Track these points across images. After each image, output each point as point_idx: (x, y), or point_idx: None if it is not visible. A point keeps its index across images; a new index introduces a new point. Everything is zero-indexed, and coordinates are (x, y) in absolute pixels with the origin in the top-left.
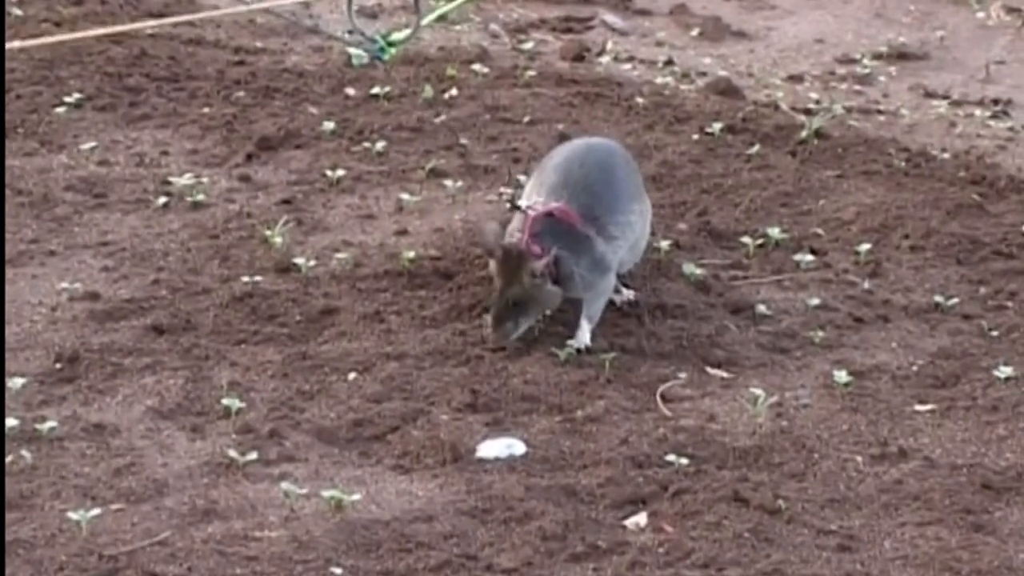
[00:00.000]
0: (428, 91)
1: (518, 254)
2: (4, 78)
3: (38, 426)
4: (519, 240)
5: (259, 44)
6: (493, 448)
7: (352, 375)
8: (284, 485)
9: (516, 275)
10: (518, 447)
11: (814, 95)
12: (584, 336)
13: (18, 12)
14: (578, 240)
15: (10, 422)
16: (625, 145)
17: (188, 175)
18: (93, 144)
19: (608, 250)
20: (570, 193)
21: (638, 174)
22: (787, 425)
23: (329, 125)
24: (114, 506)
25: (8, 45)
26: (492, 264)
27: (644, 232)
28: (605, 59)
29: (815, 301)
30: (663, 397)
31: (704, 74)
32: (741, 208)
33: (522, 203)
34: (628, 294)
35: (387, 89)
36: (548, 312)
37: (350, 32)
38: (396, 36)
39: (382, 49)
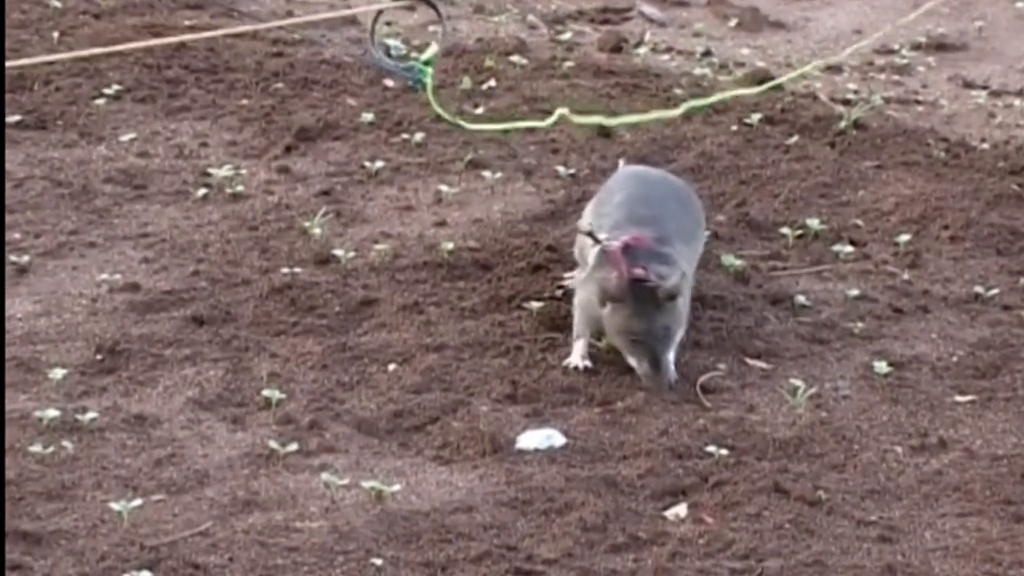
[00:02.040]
0: (466, 82)
1: (645, 282)
2: (4, 77)
3: (79, 417)
4: (623, 272)
5: (297, 36)
6: (533, 439)
7: (392, 366)
8: (324, 476)
9: (654, 304)
10: (558, 438)
11: (852, 86)
12: (671, 367)
13: (56, 4)
14: (665, 259)
15: (51, 413)
16: (663, 137)
17: (227, 166)
18: (132, 136)
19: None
20: (641, 221)
21: (699, 206)
22: (827, 416)
23: (368, 116)
24: (155, 497)
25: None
26: (615, 311)
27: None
28: (643, 50)
29: (854, 292)
30: (703, 388)
31: (742, 65)
32: (780, 199)
33: (600, 236)
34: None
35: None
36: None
37: (388, 55)
38: (426, 55)
39: (420, 71)
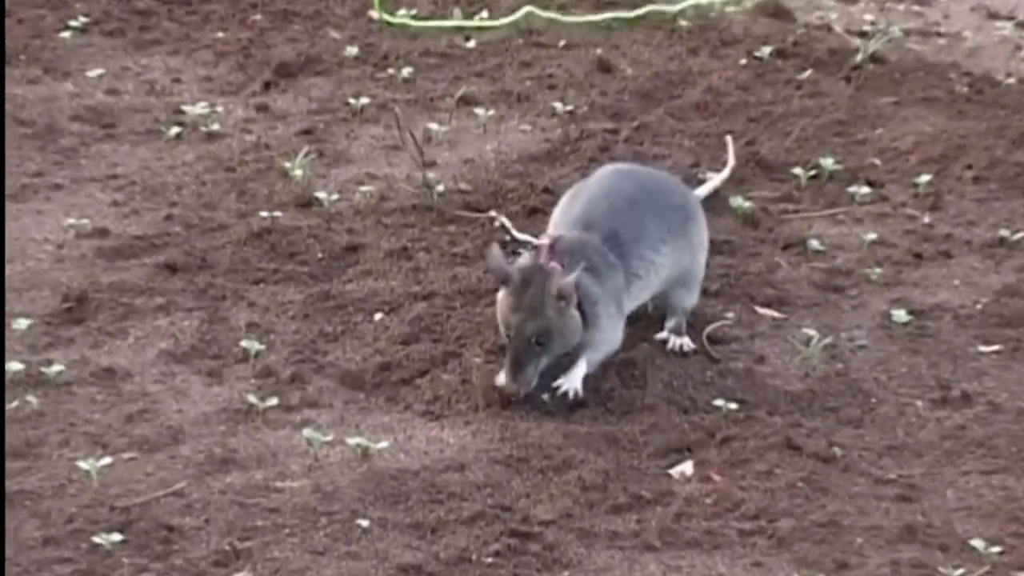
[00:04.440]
0: (457, 14)
1: (540, 274)
2: (4, 77)
3: (45, 370)
4: (536, 261)
5: None
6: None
7: (378, 316)
8: (307, 432)
9: (538, 303)
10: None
11: (869, 16)
12: (576, 378)
13: None
14: (603, 264)
15: (15, 366)
16: (667, 72)
17: (202, 104)
18: (101, 71)
19: (628, 288)
20: (591, 222)
21: (683, 210)
22: (842, 368)
23: (352, 50)
24: (126, 455)
25: None
26: (503, 298)
27: (687, 267)
28: None
29: (872, 236)
30: (710, 339)
31: None
32: (792, 138)
33: (515, 234)
34: (687, 342)
35: (414, 12)
36: (562, 353)
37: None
38: None
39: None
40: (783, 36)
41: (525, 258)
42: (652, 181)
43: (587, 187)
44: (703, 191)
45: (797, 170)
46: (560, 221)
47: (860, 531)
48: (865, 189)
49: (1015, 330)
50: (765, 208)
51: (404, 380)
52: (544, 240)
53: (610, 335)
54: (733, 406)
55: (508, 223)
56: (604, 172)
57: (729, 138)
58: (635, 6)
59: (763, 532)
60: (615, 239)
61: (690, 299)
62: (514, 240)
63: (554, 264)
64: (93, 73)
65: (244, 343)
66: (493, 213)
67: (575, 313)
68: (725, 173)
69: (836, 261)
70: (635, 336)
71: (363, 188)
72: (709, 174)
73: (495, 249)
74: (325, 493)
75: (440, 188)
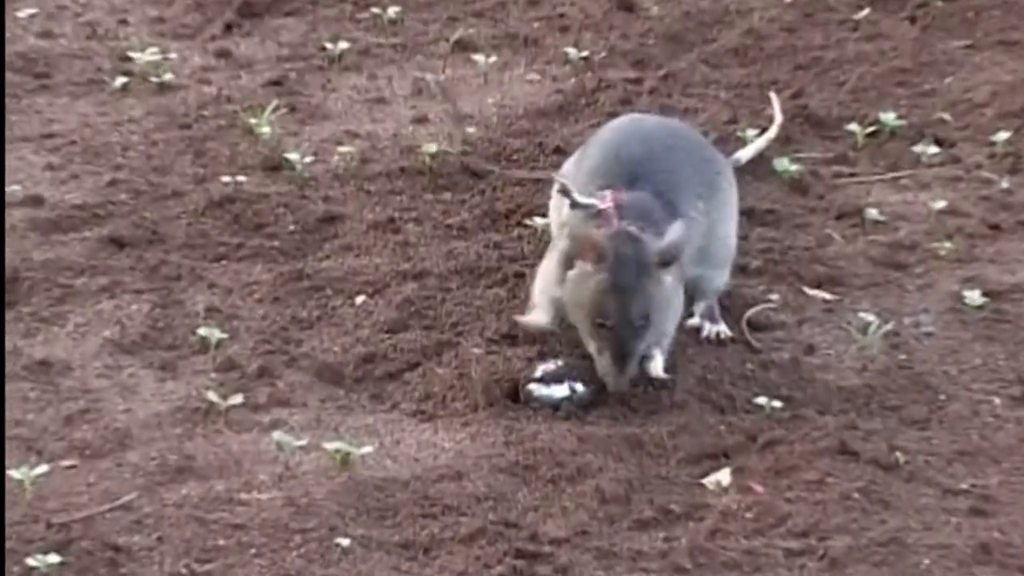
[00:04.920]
0: None
1: (629, 241)
2: (4, 79)
3: None
4: (618, 226)
5: None
6: (542, 389)
7: (360, 298)
8: (277, 436)
9: (634, 277)
10: (578, 387)
11: None
12: (659, 365)
13: None
14: (664, 225)
15: None
16: (699, 11)
17: (152, 49)
18: (33, 11)
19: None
20: (636, 175)
21: (714, 164)
22: (906, 359)
23: None
24: (65, 462)
25: None
26: (587, 277)
27: (720, 239)
28: None
29: (940, 204)
30: (750, 324)
31: None
32: (846, 88)
33: (577, 198)
34: (723, 329)
35: None
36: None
37: None
38: None
39: None
40: None
41: (583, 222)
42: (680, 128)
43: (612, 135)
44: (745, 154)
45: (853, 126)
46: (591, 174)
47: (926, 550)
48: (933, 149)
49: None
50: (815, 171)
51: (391, 374)
52: (606, 200)
53: (679, 308)
54: (777, 404)
55: (569, 185)
56: (623, 120)
57: (774, 94)
58: None
59: (813, 552)
60: (662, 195)
61: (721, 278)
62: (576, 205)
63: (632, 228)
64: (23, 13)
65: (203, 331)
66: (552, 174)
67: (675, 283)
68: (771, 133)
69: (898, 233)
70: None
71: (342, 149)
72: (749, 132)
73: (577, 212)
74: (299, 507)
75: (433, 148)
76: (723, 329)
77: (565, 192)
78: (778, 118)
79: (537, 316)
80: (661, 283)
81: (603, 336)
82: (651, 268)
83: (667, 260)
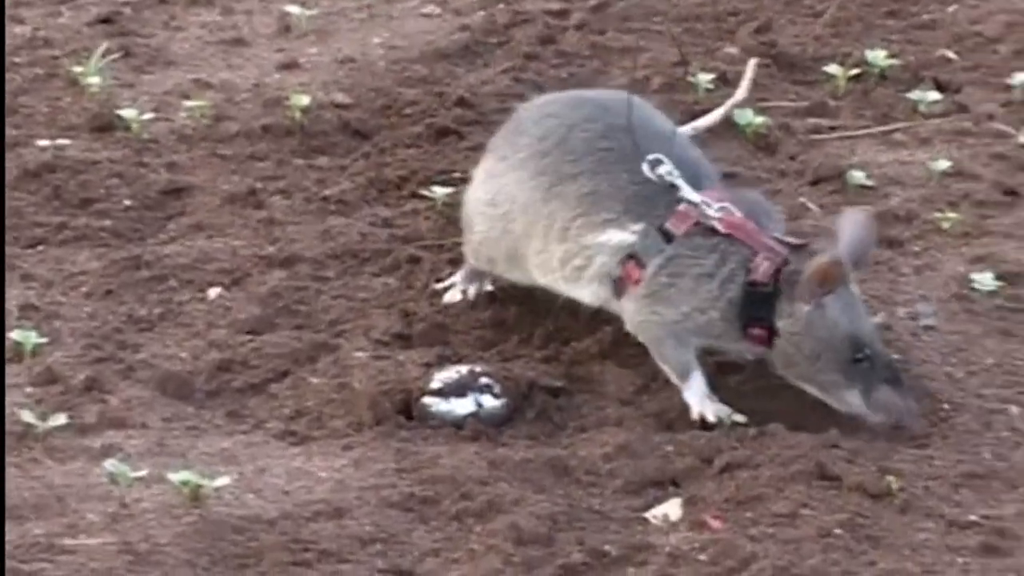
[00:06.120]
0: None
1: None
2: (4, 80)
3: None
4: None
5: None
6: (441, 403)
7: (214, 291)
8: (110, 465)
9: (852, 293)
10: (486, 400)
11: None
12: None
13: None
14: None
15: None
16: None
17: None
18: None
19: None
20: (697, 166)
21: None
22: (900, 359)
23: None
24: None
25: None
26: (847, 297)
27: None
28: None
29: (943, 164)
30: None
31: None
32: (823, 21)
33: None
34: None
35: None
36: None
37: None
38: None
39: None
40: None
41: (732, 250)
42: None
43: (595, 133)
44: (703, 123)
45: (832, 68)
46: (622, 199)
47: None
48: (933, 95)
49: None
50: (786, 125)
51: (253, 386)
52: (728, 215)
53: None
54: (739, 418)
55: (676, 173)
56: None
57: (754, 61)
58: None
59: None
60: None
61: None
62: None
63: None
64: None
65: (16, 335)
66: (657, 156)
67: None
68: (738, 96)
69: (891, 202)
70: (596, 317)
71: (190, 103)
72: (701, 78)
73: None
74: (137, 554)
75: (305, 101)
76: None
77: (673, 186)
78: (746, 80)
79: (704, 401)
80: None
81: (863, 371)
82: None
83: (830, 281)
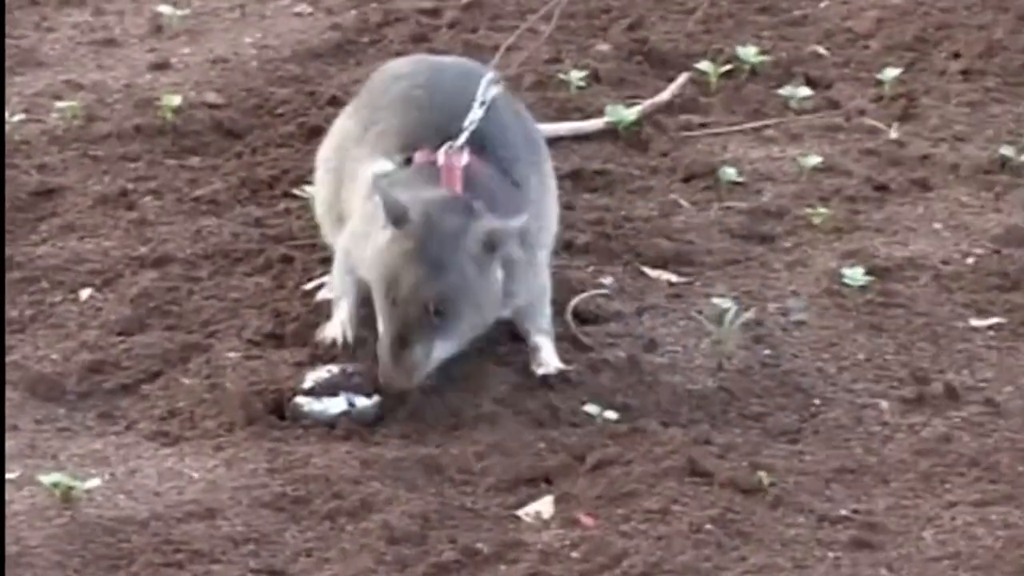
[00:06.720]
0: None
1: (460, 211)
2: (4, 81)
3: None
4: (452, 192)
5: None
6: (313, 403)
7: (85, 292)
8: None
9: (449, 254)
10: (359, 400)
11: None
12: (551, 355)
13: None
14: (512, 201)
15: None
16: None
17: None
18: None
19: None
20: (485, 135)
21: (528, 120)
22: (771, 355)
23: None
24: None
25: None
26: (390, 242)
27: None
28: None
29: (814, 160)
30: (577, 316)
31: None
32: (695, 17)
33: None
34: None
35: None
36: (471, 335)
37: None
38: None
39: None
40: None
41: (421, 186)
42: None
43: (410, 84)
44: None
45: (703, 64)
46: (399, 134)
47: None
48: (804, 91)
49: (1022, 294)
50: (657, 122)
51: (124, 387)
52: (453, 159)
53: (543, 285)
54: (611, 415)
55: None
56: (416, 64)
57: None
58: None
59: None
60: (504, 161)
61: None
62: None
63: (477, 199)
64: None
65: None
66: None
67: (499, 275)
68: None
69: (763, 198)
70: None
71: (61, 104)
72: (574, 75)
73: (377, 167)
74: (8, 556)
75: (177, 101)
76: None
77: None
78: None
79: (334, 324)
80: (486, 273)
81: (389, 315)
82: (475, 249)
83: (494, 244)
